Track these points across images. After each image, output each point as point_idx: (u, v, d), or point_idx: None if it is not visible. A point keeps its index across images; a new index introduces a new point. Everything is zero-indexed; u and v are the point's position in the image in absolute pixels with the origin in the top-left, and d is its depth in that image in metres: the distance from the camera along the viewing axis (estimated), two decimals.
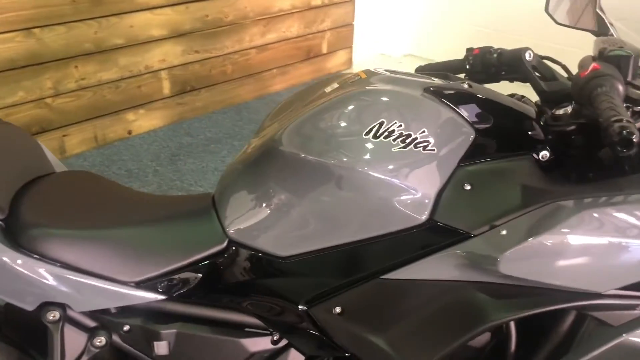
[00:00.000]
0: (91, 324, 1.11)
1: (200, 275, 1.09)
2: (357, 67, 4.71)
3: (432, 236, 1.01)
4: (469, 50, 1.33)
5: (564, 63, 1.26)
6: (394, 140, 1.00)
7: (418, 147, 1.01)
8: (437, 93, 1.06)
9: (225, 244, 1.09)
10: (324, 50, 4.38)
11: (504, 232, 0.96)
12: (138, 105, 3.43)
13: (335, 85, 1.14)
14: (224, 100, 3.85)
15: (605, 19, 1.26)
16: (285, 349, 1.15)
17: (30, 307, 1.07)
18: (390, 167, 1.00)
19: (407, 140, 1.01)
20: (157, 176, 3.08)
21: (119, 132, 3.40)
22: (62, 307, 1.07)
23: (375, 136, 1.01)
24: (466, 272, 1.00)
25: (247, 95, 3.98)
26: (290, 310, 1.11)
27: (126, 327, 1.11)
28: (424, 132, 1.01)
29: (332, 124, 1.04)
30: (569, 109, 1.08)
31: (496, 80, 1.28)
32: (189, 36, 3.52)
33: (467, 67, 1.30)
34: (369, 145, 1.01)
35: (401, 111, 1.03)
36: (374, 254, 1.04)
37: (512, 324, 1.08)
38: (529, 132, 1.08)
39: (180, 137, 3.51)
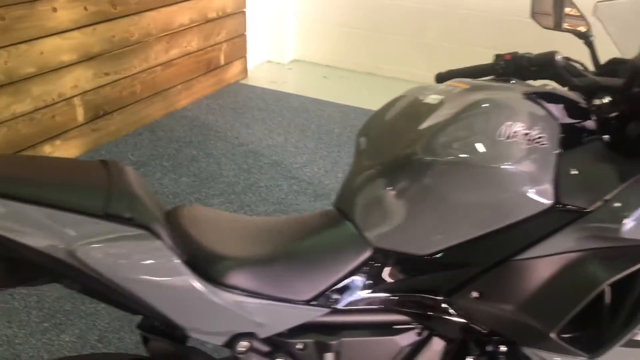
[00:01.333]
0: (268, 348, 1.13)
1: (356, 283, 1.17)
2: (252, 75, 4.77)
3: (556, 217, 1.19)
4: (499, 56, 1.52)
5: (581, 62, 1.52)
6: (520, 138, 1.17)
7: (537, 143, 1.18)
8: (532, 95, 1.24)
9: (371, 251, 1.18)
10: (222, 62, 4.39)
11: (618, 204, 1.17)
12: (54, 136, 3.21)
13: (436, 96, 1.27)
14: (136, 122, 3.72)
15: (587, 20, 1.52)
16: (428, 338, 1.26)
17: (220, 341, 1.07)
18: (522, 162, 1.16)
19: (528, 138, 1.17)
20: None
21: None
22: (249, 335, 1.09)
23: (507, 137, 1.16)
24: (585, 242, 1.20)
25: (157, 114, 3.88)
26: (432, 302, 1.23)
27: (300, 345, 1.15)
28: (537, 129, 1.19)
29: (468, 131, 1.17)
30: (605, 100, 1.33)
31: (524, 80, 1.50)
32: (99, 59, 3.36)
33: (500, 71, 1.51)
34: (503, 145, 1.16)
35: (518, 113, 1.19)
36: (508, 240, 1.20)
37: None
38: (591, 121, 1.31)
39: None
